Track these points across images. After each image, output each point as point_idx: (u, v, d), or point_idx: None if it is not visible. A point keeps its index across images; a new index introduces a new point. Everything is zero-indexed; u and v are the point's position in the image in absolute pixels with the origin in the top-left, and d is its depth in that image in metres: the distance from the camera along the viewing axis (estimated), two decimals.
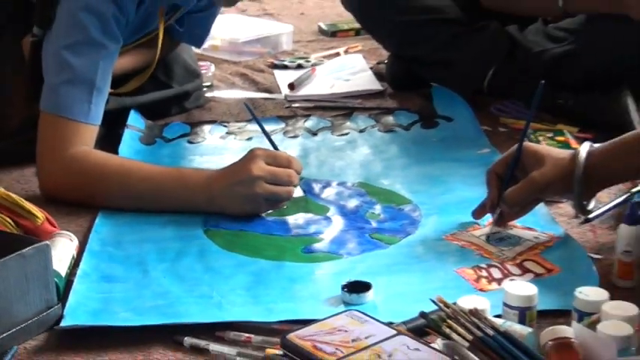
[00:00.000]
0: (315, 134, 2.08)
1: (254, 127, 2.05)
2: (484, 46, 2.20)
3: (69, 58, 1.68)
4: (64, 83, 1.68)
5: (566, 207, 1.66)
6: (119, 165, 1.73)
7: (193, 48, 2.30)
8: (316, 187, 1.74)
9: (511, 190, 1.51)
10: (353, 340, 1.13)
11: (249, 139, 2.00)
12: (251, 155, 1.61)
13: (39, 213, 1.49)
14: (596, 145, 1.48)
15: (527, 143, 1.55)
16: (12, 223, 1.44)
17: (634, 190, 1.60)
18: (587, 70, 2.05)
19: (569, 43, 2.08)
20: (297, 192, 1.67)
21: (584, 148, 1.47)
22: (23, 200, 1.50)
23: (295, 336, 1.14)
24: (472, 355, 1.12)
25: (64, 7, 1.70)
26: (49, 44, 1.71)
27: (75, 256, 1.47)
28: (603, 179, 1.50)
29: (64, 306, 1.32)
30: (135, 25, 1.86)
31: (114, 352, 1.24)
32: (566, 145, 1.83)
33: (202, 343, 1.25)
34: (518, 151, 1.53)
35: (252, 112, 1.82)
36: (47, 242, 1.31)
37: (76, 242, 1.49)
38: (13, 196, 1.49)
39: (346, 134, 2.07)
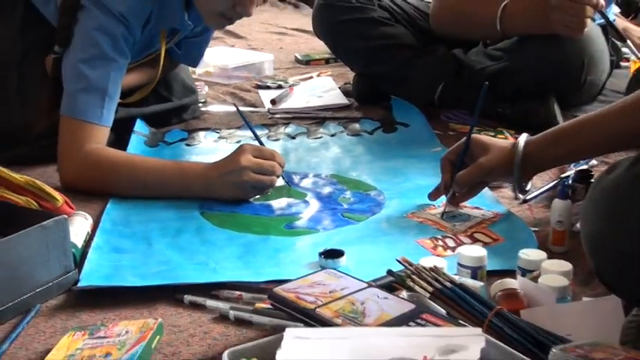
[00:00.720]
0: (293, 138, 2.04)
1: (243, 132, 2.03)
2: (434, 65, 2.17)
3: (85, 70, 1.64)
4: (81, 91, 1.64)
5: (507, 191, 1.64)
6: (127, 159, 1.69)
7: (190, 68, 2.24)
8: (296, 178, 1.70)
9: (461, 173, 1.49)
10: (330, 292, 1.09)
11: (238, 141, 1.95)
12: (240, 149, 1.58)
13: (59, 196, 1.44)
14: (532, 137, 1.46)
15: (474, 135, 1.52)
16: (36, 205, 1.38)
17: (562, 175, 1.58)
18: (520, 83, 2.03)
19: (505, 61, 2.06)
20: (280, 182, 1.63)
21: (523, 138, 1.45)
22: (45, 185, 1.45)
23: (280, 289, 1.09)
24: (433, 303, 1.08)
25: (80, 27, 1.66)
26: (67, 59, 1.68)
27: (89, 232, 1.43)
28: (538, 164, 1.47)
29: (79, 272, 1.28)
30: (140, 45, 1.82)
31: (123, 309, 1.20)
32: None
33: (200, 299, 1.21)
34: (467, 140, 1.50)
35: (242, 114, 1.79)
36: (65, 216, 1.28)
37: (90, 221, 1.46)
38: (37, 182, 1.44)
39: (320, 138, 2.03)
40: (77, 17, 1.66)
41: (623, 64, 2.55)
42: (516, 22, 2.03)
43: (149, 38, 1.84)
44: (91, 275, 1.27)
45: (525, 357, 0.92)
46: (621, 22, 2.86)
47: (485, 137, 1.53)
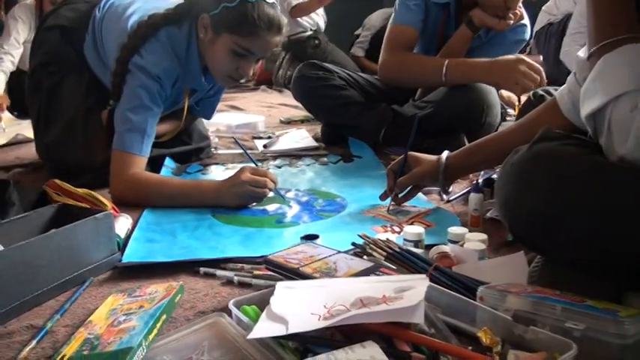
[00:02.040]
0: (280, 167, 1.95)
1: (241, 165, 1.92)
2: (378, 116, 2.11)
3: (130, 115, 1.58)
4: (127, 131, 1.57)
5: (435, 195, 1.57)
6: (159, 179, 1.61)
7: (205, 120, 2.16)
8: (282, 192, 1.60)
9: (401, 178, 1.43)
10: (310, 257, 1.01)
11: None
12: (241, 169, 1.51)
13: (108, 203, 1.36)
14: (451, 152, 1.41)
15: (411, 152, 1.46)
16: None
17: (474, 182, 1.52)
18: (439, 124, 1.97)
19: (429, 109, 2.00)
20: (271, 194, 1.54)
21: (445, 154, 1.42)
22: (98, 195, 1.37)
23: (273, 256, 1.02)
24: (388, 263, 1.00)
25: (128, 85, 1.61)
26: (118, 109, 1.61)
27: (130, 228, 1.34)
28: (456, 172, 1.42)
29: (122, 255, 1.19)
30: (170, 100, 1.76)
31: (154, 280, 1.11)
32: None
33: (212, 270, 1.13)
34: (405, 155, 1.44)
35: (239, 143, 1.72)
36: (110, 211, 1.19)
37: (130, 220, 1.37)
38: (93, 192, 1.38)
39: (299, 167, 1.95)
40: (126, 79, 1.61)
41: (508, 118, 2.53)
42: (458, 76, 1.96)
43: (176, 95, 1.78)
44: (130, 256, 1.18)
45: (459, 295, 0.84)
46: (505, 91, 2.86)
47: (418, 154, 1.47)
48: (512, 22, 2.00)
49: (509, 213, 0.90)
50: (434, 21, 2.11)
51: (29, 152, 2.26)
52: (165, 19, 1.65)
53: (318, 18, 4.41)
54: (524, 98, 1.92)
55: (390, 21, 2.16)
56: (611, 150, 0.83)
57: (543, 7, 3.49)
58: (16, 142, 2.45)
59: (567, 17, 3.27)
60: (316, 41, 4.28)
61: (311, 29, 4.35)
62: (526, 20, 2.11)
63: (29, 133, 2.50)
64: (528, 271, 0.93)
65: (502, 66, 1.91)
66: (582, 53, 1.17)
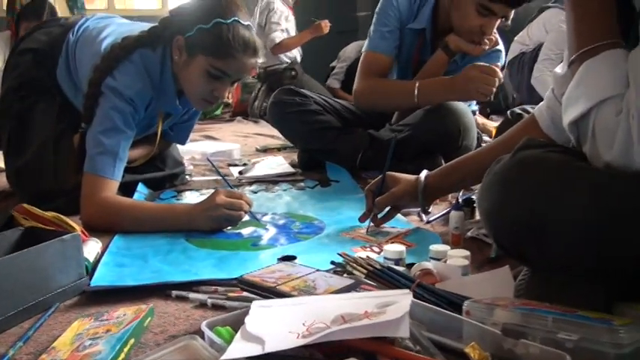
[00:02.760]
0: (255, 192, 1.90)
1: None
2: (355, 140, 2.09)
3: (102, 138, 1.53)
4: (98, 154, 1.52)
5: (415, 217, 1.53)
6: (131, 203, 1.56)
7: (179, 146, 2.12)
8: (258, 215, 1.56)
9: (379, 198, 1.40)
10: (287, 275, 0.96)
11: None
12: (216, 192, 1.46)
13: (77, 227, 1.30)
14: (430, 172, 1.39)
15: (389, 172, 1.43)
16: None
17: (454, 202, 1.49)
18: (416, 147, 1.95)
19: (406, 132, 1.98)
20: (247, 217, 1.49)
21: (423, 173, 1.39)
22: (67, 219, 1.31)
23: (248, 275, 0.97)
24: (368, 281, 0.96)
25: (100, 108, 1.56)
26: (90, 132, 1.56)
27: (99, 252, 1.28)
28: (435, 192, 1.40)
29: (90, 279, 1.13)
30: (143, 123, 1.71)
31: (123, 304, 1.04)
32: None
33: (184, 293, 1.07)
34: (384, 175, 1.41)
35: (213, 164, 1.68)
36: (79, 232, 1.13)
37: (100, 244, 1.30)
38: (61, 216, 1.32)
39: (275, 192, 1.91)
40: (98, 102, 1.56)
41: (483, 144, 2.52)
42: (430, 96, 1.96)
43: (149, 119, 1.73)
44: (99, 280, 1.12)
45: (443, 310, 0.80)
46: (481, 118, 2.88)
47: (396, 173, 1.44)
48: (487, 47, 2.00)
49: (493, 223, 0.87)
50: (409, 46, 2.11)
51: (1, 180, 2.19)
52: (139, 41, 1.62)
53: (294, 50, 4.43)
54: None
55: (364, 47, 2.15)
56: (596, 157, 0.80)
57: (516, 38, 3.54)
58: None
59: (539, 46, 3.32)
60: (293, 72, 4.30)
61: (287, 61, 4.37)
62: (501, 46, 2.12)
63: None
64: (514, 285, 0.90)
65: (460, 79, 1.91)
66: (559, 69, 1.16)
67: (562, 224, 0.78)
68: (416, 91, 1.94)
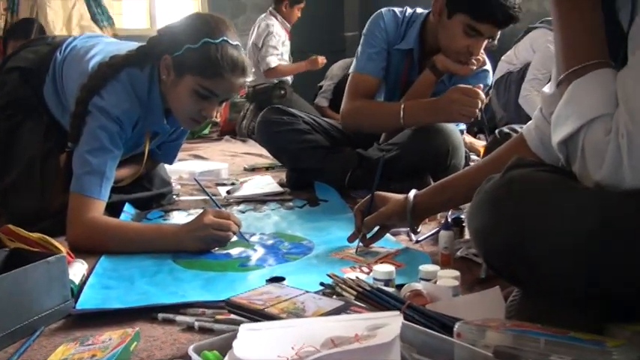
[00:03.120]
0: (243, 212, 1.89)
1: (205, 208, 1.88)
2: (343, 160, 2.09)
3: (89, 158, 1.52)
4: (85, 174, 1.51)
5: (404, 236, 1.52)
6: (118, 223, 1.55)
7: (167, 167, 2.10)
8: (247, 236, 1.54)
9: (368, 218, 1.39)
10: (276, 297, 0.95)
11: None
12: (204, 212, 1.45)
13: (62, 248, 1.28)
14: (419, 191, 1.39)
15: (377, 192, 1.43)
16: None
17: (443, 222, 1.49)
18: (404, 166, 1.95)
19: (394, 152, 1.98)
20: (235, 238, 1.47)
21: (412, 193, 1.39)
22: (53, 240, 1.30)
23: (236, 298, 0.96)
24: (359, 302, 0.95)
25: (87, 127, 1.55)
26: (77, 151, 1.55)
27: (85, 274, 1.26)
28: (424, 211, 1.39)
29: (76, 302, 1.11)
30: (130, 143, 1.70)
31: (109, 327, 1.02)
32: None
33: (171, 316, 1.05)
34: (372, 195, 1.41)
35: (201, 185, 1.66)
36: (64, 254, 1.11)
37: (86, 265, 1.28)
38: (47, 237, 1.30)
39: (263, 211, 1.90)
40: (85, 121, 1.55)
41: (471, 163, 2.53)
42: (415, 117, 1.97)
43: (137, 138, 1.72)
44: (84, 303, 1.11)
45: (435, 332, 0.79)
46: (468, 137, 2.89)
47: (385, 193, 1.43)
48: (474, 67, 2.02)
49: (483, 243, 0.87)
50: (397, 67, 2.12)
51: None
52: (127, 60, 1.61)
53: None
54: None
55: (351, 68, 2.16)
56: (586, 176, 0.80)
57: (503, 57, 3.58)
58: None
59: (526, 66, 3.36)
60: (282, 92, 4.31)
61: (276, 80, 4.38)
62: (488, 66, 2.14)
63: None
64: (505, 306, 0.89)
65: (443, 101, 1.92)
66: (547, 89, 1.17)
67: (552, 246, 0.77)
68: (401, 113, 1.95)
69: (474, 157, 2.66)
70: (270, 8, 4.51)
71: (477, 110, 1.87)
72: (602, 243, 0.76)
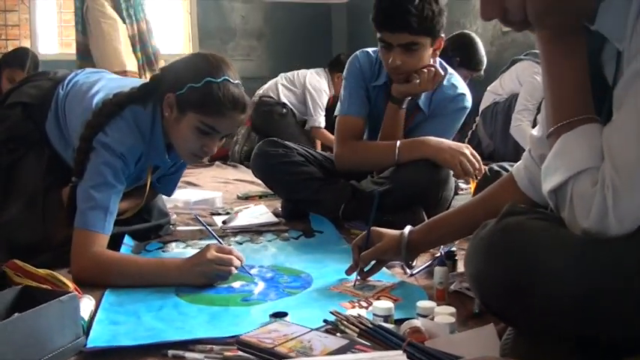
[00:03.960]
0: (241, 244, 1.94)
1: (202, 242, 1.93)
2: (338, 192, 2.16)
3: (93, 193, 1.56)
4: (89, 209, 1.55)
5: (399, 269, 1.58)
6: (122, 258, 1.60)
7: (164, 197, 2.16)
8: (246, 268, 1.58)
9: (364, 253, 1.46)
10: (284, 336, 1.00)
11: (200, 247, 1.82)
12: (207, 247, 1.50)
13: (70, 284, 1.33)
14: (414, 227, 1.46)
15: (374, 228, 1.49)
16: None
17: (436, 255, 1.55)
18: (398, 199, 2.01)
19: (387, 184, 2.05)
20: (235, 270, 1.52)
21: (407, 229, 1.45)
22: (61, 276, 1.34)
23: (245, 336, 1.01)
24: (361, 340, 1.01)
25: (91, 163, 1.60)
26: (81, 186, 1.60)
27: (93, 310, 1.30)
28: (419, 247, 1.46)
29: (87, 338, 1.16)
30: (132, 177, 1.75)
31: None
32: None
33: (180, 352, 1.10)
34: (368, 230, 1.48)
35: (202, 222, 1.71)
36: (75, 293, 1.16)
37: (93, 301, 1.32)
38: (54, 274, 1.35)
39: (260, 243, 1.95)
40: (89, 156, 1.60)
41: (460, 192, 2.61)
42: (411, 155, 2.05)
43: (139, 172, 1.78)
44: (95, 340, 1.15)
45: None
46: None
47: (381, 229, 1.50)
48: (426, 76, 2.04)
49: (480, 286, 0.93)
50: (377, 103, 2.22)
51: None
52: (131, 97, 1.67)
53: (289, 94, 4.49)
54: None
55: (337, 111, 2.26)
56: (574, 223, 0.87)
57: (489, 88, 3.69)
58: None
59: (512, 96, 3.46)
60: (284, 110, 4.34)
61: (275, 98, 4.43)
62: (464, 90, 2.22)
63: None
64: (500, 344, 0.95)
65: (450, 146, 2.03)
66: (536, 132, 1.25)
67: (544, 292, 0.84)
68: (397, 151, 2.05)
69: (462, 185, 2.74)
70: (327, 69, 4.59)
71: (474, 175, 2.00)
72: (590, 294, 0.82)
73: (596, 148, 0.89)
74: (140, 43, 3.99)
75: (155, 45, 4.17)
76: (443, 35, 2.04)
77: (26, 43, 5.74)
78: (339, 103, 2.25)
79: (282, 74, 4.54)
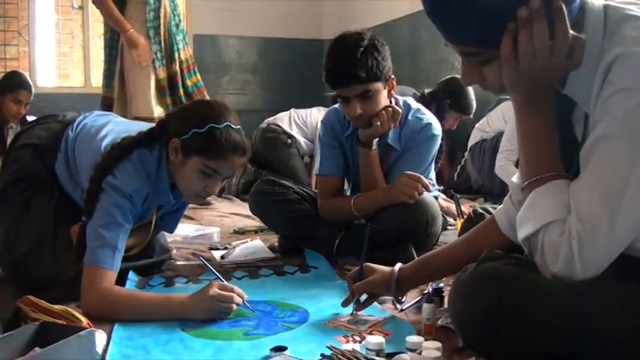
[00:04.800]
0: (239, 279, 2.04)
1: (202, 277, 2.03)
2: (331, 228, 2.28)
3: (102, 232, 1.67)
4: (99, 247, 1.66)
5: (389, 305, 1.69)
6: (129, 294, 1.71)
7: (166, 233, 2.26)
8: (247, 304, 1.67)
9: (356, 285, 1.57)
10: None
11: (200, 283, 1.95)
12: (210, 285, 1.60)
13: (83, 319, 1.42)
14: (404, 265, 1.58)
15: (366, 264, 1.61)
16: None
17: (425, 291, 1.65)
18: (387, 236, 2.12)
19: (378, 223, 2.14)
20: (235, 307, 1.62)
21: (397, 266, 1.56)
22: (74, 311, 1.44)
23: None
24: None
25: (101, 203, 1.70)
26: (90, 225, 1.70)
27: (105, 344, 1.39)
28: (409, 283, 1.57)
29: None
30: (138, 215, 1.86)
31: None
32: None
33: None
34: (361, 267, 1.58)
35: (203, 260, 1.82)
36: (92, 329, 1.26)
37: (105, 336, 1.42)
38: (69, 309, 1.45)
39: (258, 278, 2.05)
40: (99, 197, 1.71)
41: (449, 227, 2.74)
42: (366, 208, 2.22)
43: (144, 211, 1.88)
44: None
45: None
46: (445, 202, 3.09)
47: (374, 265, 1.61)
48: (385, 116, 2.17)
49: (461, 324, 1.05)
50: (352, 151, 2.36)
51: None
52: (138, 141, 1.78)
53: (293, 126, 4.57)
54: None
55: (315, 170, 2.39)
56: (545, 268, 0.99)
57: (477, 125, 3.85)
58: None
59: (499, 134, 3.61)
60: (289, 140, 4.43)
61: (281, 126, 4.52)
62: (430, 119, 2.33)
63: None
64: None
65: (392, 187, 2.18)
66: (515, 179, 1.38)
67: (514, 328, 0.96)
68: (352, 209, 2.23)
69: (450, 220, 2.87)
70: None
71: (417, 193, 2.11)
72: (557, 324, 0.94)
73: (563, 201, 1.01)
74: (170, 87, 3.54)
75: (193, 84, 3.64)
76: (393, 76, 2.19)
77: None
78: (318, 162, 2.42)
79: (293, 110, 4.57)
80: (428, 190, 2.16)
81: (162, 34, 3.49)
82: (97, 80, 6.09)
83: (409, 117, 2.31)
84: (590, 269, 0.96)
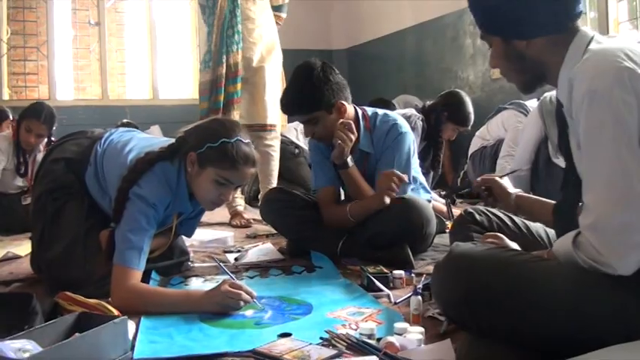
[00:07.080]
0: (252, 278, 2.26)
1: (218, 277, 2.24)
2: (334, 232, 2.50)
3: (130, 236, 1.88)
4: (127, 249, 1.87)
5: (386, 299, 1.89)
6: (153, 290, 1.93)
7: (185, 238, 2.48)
8: (257, 299, 1.87)
9: (485, 176, 1.98)
10: (289, 348, 1.32)
11: (217, 282, 2.13)
12: (222, 282, 1.81)
13: (115, 311, 1.64)
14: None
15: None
16: None
17: (416, 287, 1.85)
18: (386, 238, 2.35)
19: (378, 225, 2.38)
20: (243, 304, 1.80)
21: (516, 191, 1.91)
22: (107, 305, 1.66)
23: (260, 348, 1.32)
24: (348, 351, 1.32)
25: (128, 211, 1.92)
26: (119, 230, 1.91)
27: (134, 332, 1.61)
28: (520, 204, 1.85)
29: (132, 353, 1.46)
30: (160, 222, 2.07)
31: None
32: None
33: None
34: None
35: (217, 261, 2.04)
36: (125, 317, 1.47)
37: (134, 324, 1.63)
38: (103, 302, 1.67)
39: (268, 277, 2.27)
40: (126, 205, 1.93)
41: (447, 230, 2.93)
42: (358, 214, 2.44)
43: (165, 218, 2.10)
44: (140, 353, 1.46)
45: None
46: (437, 204, 3.26)
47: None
48: (342, 132, 2.38)
49: (440, 299, 1.29)
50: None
51: (20, 267, 2.50)
52: (160, 155, 2.01)
53: (301, 137, 4.78)
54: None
55: (312, 184, 2.65)
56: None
57: (477, 133, 4.05)
58: (6, 259, 2.70)
59: (498, 141, 3.80)
60: (297, 151, 4.64)
61: (290, 138, 4.75)
62: (397, 119, 2.55)
63: (18, 251, 2.77)
64: (457, 348, 1.28)
65: (378, 188, 2.39)
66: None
67: (486, 302, 1.18)
68: (349, 217, 2.44)
69: (448, 223, 3.06)
70: None
71: (394, 185, 2.31)
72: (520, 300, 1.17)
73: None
74: (212, 90, 3.49)
75: (233, 92, 3.50)
76: (339, 100, 2.40)
77: (44, 90, 6.16)
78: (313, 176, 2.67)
79: (297, 122, 4.74)
80: (403, 181, 2.34)
81: (214, 34, 3.46)
82: (113, 92, 6.38)
83: (377, 122, 2.53)
84: (617, 253, 1.07)
